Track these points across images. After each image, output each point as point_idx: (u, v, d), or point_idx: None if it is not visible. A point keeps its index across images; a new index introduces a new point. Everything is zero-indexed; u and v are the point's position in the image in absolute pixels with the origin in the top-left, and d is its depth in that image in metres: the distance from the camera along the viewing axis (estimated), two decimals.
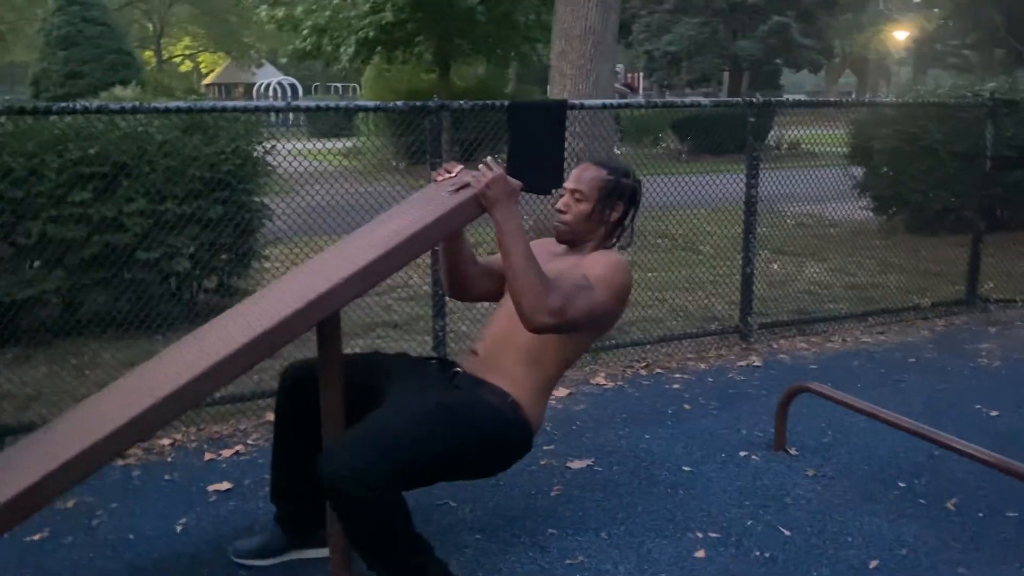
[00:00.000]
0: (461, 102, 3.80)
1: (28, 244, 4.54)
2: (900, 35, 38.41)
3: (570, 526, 2.81)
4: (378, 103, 3.76)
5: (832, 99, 5.18)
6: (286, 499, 2.55)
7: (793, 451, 3.37)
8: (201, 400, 2.06)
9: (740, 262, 4.86)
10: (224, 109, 4.11)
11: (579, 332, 2.43)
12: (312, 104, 3.76)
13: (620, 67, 44.56)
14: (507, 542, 2.71)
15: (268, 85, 37.67)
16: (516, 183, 2.27)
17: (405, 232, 2.18)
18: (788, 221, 8.87)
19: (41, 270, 4.67)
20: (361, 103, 3.68)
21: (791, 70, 22.40)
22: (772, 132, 17.29)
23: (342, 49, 14.10)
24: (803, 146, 14.51)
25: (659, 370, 4.42)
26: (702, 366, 4.49)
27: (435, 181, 2.53)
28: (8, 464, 2.21)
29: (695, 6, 19.44)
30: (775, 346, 4.83)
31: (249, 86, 42.62)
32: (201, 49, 45.73)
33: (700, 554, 2.64)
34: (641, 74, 35.08)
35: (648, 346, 4.74)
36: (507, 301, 2.53)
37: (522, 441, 2.40)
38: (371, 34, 13.61)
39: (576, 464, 3.28)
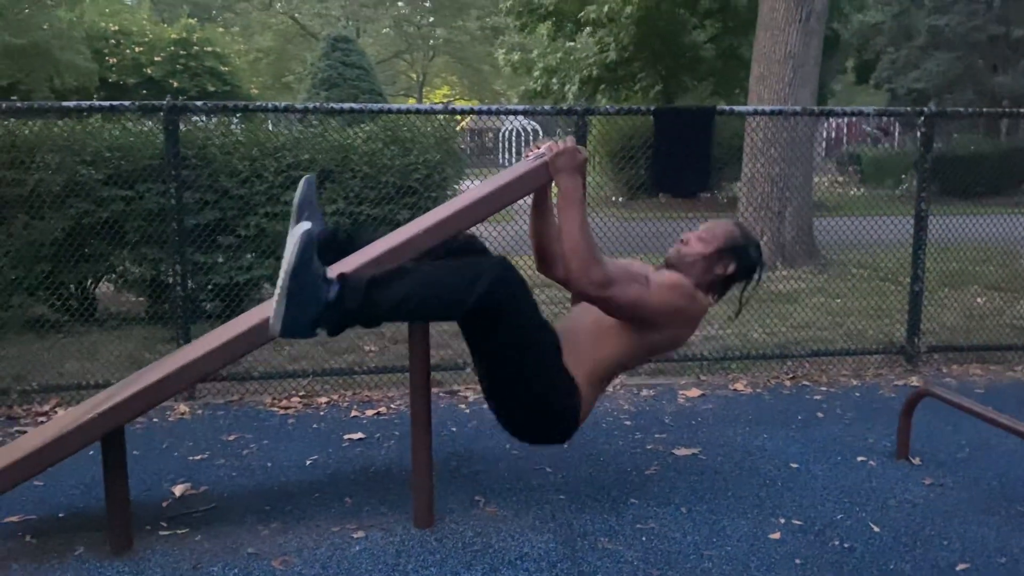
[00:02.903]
0: (607, 106, 4.00)
1: (248, 235, 5.30)
2: None
3: (653, 499, 2.88)
4: (525, 107, 4.06)
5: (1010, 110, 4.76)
6: (354, 240, 2.78)
7: (916, 460, 3.19)
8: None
9: (917, 286, 4.59)
10: (389, 111, 4.52)
11: (631, 330, 2.51)
12: (464, 108, 4.14)
13: (872, 109, 42.23)
14: (586, 504, 2.84)
15: (512, 130, 39.64)
16: (583, 157, 2.46)
17: (482, 192, 2.44)
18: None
19: (257, 259, 5.41)
20: (510, 107, 3.99)
21: None
22: None
23: (567, 88, 14.74)
24: None
25: (805, 383, 4.30)
26: (854, 382, 4.30)
27: (526, 157, 2.76)
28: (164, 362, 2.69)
29: (949, 40, 18.13)
30: (944, 370, 4.50)
31: (497, 131, 45.07)
32: (457, 97, 49.18)
33: (775, 536, 2.62)
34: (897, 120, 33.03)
35: (805, 361, 4.61)
36: (578, 308, 2.72)
37: (568, 418, 2.52)
38: (595, 72, 14.13)
39: (681, 451, 3.33)
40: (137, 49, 17.40)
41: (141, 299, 5.75)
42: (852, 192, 16.90)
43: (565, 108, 4.03)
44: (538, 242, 2.81)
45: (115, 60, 16.94)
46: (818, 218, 8.35)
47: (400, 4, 37.97)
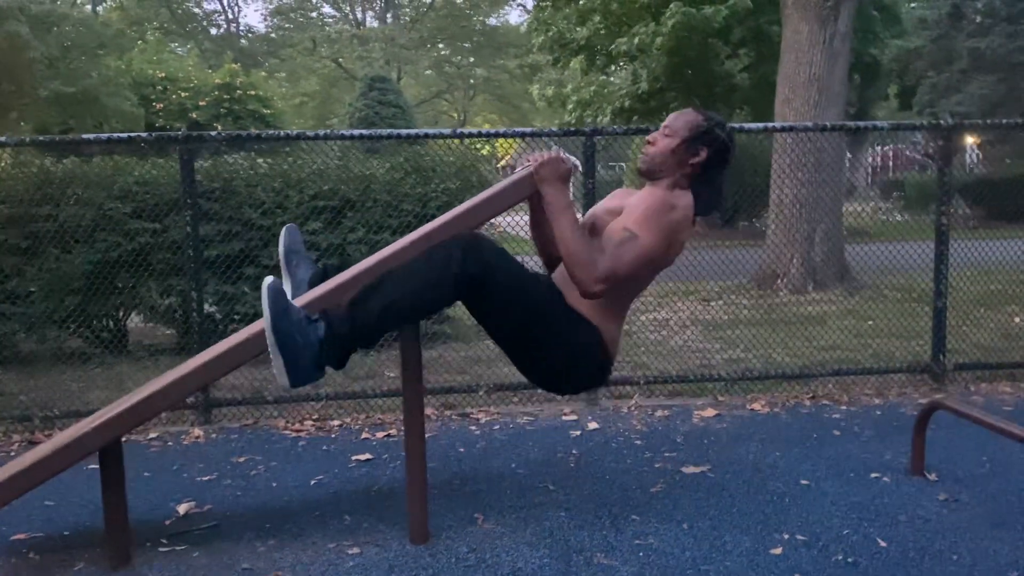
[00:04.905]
0: (615, 127, 4.01)
1: (271, 265, 5.38)
2: None
3: (655, 516, 2.83)
4: (534, 129, 4.09)
5: None
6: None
7: (932, 476, 3.09)
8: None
9: (940, 302, 4.48)
10: (399, 136, 4.58)
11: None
12: (474, 131, 4.18)
13: (887, 123, 41.65)
14: (587, 521, 2.80)
15: None
16: (567, 166, 2.47)
17: (467, 205, 2.47)
18: None
19: None
20: (519, 130, 4.03)
21: None
22: None
23: (599, 120, 14.80)
24: None
25: (825, 402, 4.20)
26: (876, 401, 4.19)
27: (517, 170, 2.78)
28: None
29: (991, 63, 17.83)
30: (972, 388, 4.37)
31: None
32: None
33: (776, 551, 2.55)
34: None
35: (828, 381, 4.52)
36: None
37: (595, 355, 2.52)
38: (627, 103, 14.18)
39: (690, 469, 3.27)
40: (183, 95, 17.91)
41: (170, 331, 5.87)
42: (895, 218, 16.64)
43: (572, 129, 4.05)
44: (543, 251, 2.83)
45: (161, 106, 17.44)
46: (858, 244, 8.21)
47: (440, 46, 38.67)
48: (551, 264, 2.82)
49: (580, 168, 4.09)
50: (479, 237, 2.41)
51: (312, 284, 2.74)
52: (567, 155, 2.60)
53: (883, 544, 2.57)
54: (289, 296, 2.68)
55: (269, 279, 2.29)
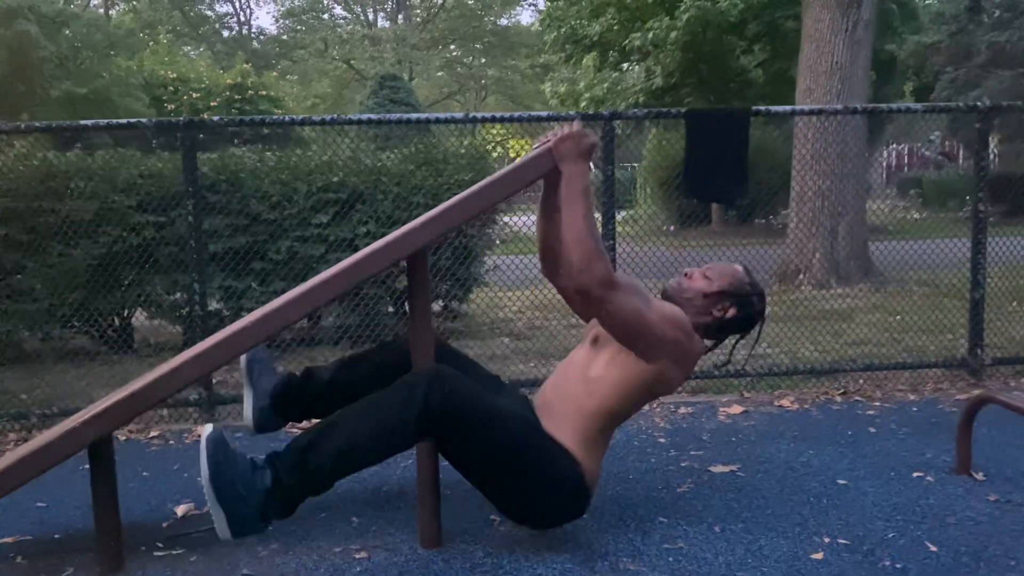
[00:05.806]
0: (635, 110, 3.83)
1: (278, 259, 5.23)
2: None
3: (684, 518, 2.65)
4: (550, 113, 3.92)
5: None
6: (308, 383, 2.65)
7: (979, 476, 2.89)
8: (287, 324, 2.29)
9: (977, 293, 4.27)
10: (408, 121, 4.44)
11: (619, 369, 2.33)
12: (487, 115, 4.02)
13: (936, 134, 41.08)
14: (611, 524, 2.62)
15: None
16: (590, 142, 2.28)
17: (487, 181, 2.30)
18: None
19: (290, 284, 5.33)
20: (534, 113, 3.86)
21: None
22: None
23: None
24: None
25: (857, 398, 4.01)
26: (911, 397, 3.99)
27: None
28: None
29: (1011, 57, 17.53)
30: (1012, 384, 4.16)
31: None
32: (510, 136, 49.51)
33: (817, 556, 2.36)
34: (961, 143, 32.01)
35: (859, 376, 4.32)
36: (569, 358, 2.55)
37: (572, 488, 2.35)
38: (641, 99, 13.98)
39: (718, 468, 3.08)
40: (194, 95, 17.84)
41: (176, 328, 5.72)
42: (913, 216, 16.35)
43: (591, 113, 3.88)
44: (544, 243, 2.59)
45: (173, 106, 17.37)
46: (878, 241, 7.99)
47: (452, 46, 38.55)
48: (547, 258, 2.62)
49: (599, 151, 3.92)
50: (442, 371, 2.24)
51: (275, 395, 2.63)
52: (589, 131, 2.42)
53: (933, 548, 2.38)
54: (249, 408, 2.60)
55: (208, 428, 2.15)
